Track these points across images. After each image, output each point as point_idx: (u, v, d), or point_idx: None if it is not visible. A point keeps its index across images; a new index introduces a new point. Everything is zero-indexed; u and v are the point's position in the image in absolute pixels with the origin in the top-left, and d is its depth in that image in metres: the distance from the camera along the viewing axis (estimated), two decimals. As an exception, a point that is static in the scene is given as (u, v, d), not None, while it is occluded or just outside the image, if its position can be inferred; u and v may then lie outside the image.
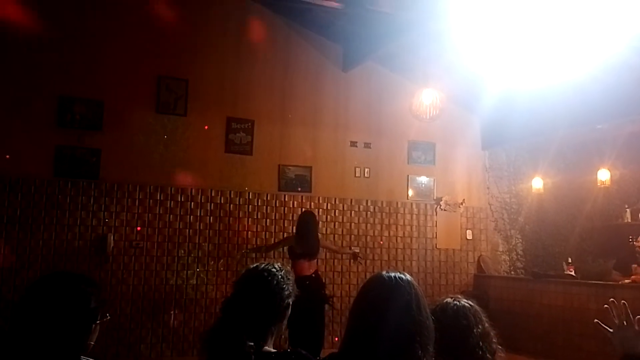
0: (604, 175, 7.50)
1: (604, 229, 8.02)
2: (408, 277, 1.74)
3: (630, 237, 7.97)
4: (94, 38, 6.46)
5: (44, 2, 6.22)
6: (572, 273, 7.06)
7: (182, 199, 6.74)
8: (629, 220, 7.83)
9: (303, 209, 7.26)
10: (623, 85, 5.98)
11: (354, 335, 1.69)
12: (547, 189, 8.32)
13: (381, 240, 7.67)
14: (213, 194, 6.90)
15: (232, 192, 6.99)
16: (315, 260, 5.83)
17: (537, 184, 8.28)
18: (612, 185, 7.64)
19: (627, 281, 6.35)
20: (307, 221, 5.91)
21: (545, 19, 4.53)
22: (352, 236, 7.53)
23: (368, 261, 7.47)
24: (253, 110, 7.17)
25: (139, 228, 6.49)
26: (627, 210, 7.80)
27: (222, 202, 6.94)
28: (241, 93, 7.14)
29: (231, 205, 6.98)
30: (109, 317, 1.82)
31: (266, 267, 2.09)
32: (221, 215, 6.91)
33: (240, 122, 7.09)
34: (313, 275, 5.65)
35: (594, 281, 6.45)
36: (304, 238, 5.78)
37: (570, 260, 7.33)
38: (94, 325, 1.71)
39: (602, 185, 7.57)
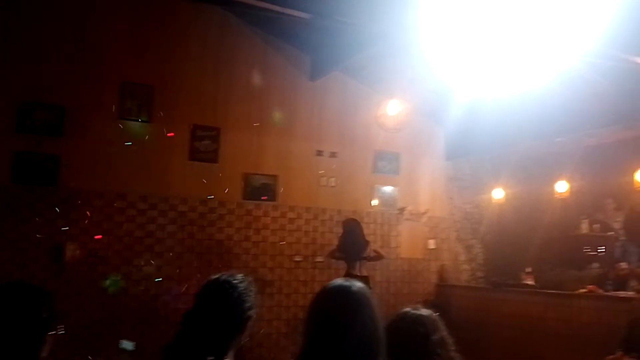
0: (562, 187, 7.71)
1: (561, 239, 8.24)
2: (364, 287, 1.76)
3: (587, 247, 8.21)
4: (55, 42, 6.31)
5: (5, 6, 6.05)
6: (531, 282, 7.22)
7: (144, 207, 6.62)
8: (586, 231, 8.06)
9: (269, 218, 7.26)
10: (581, 100, 6.18)
11: (314, 343, 1.69)
12: (508, 199, 8.50)
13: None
14: (176, 202, 6.80)
15: (195, 200, 6.90)
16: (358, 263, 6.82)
17: (498, 194, 8.46)
18: (570, 196, 7.85)
19: (583, 291, 6.52)
20: (346, 229, 7.00)
21: (508, 33, 4.65)
22: (317, 245, 7.52)
23: (332, 270, 7.46)
24: (219, 118, 7.11)
25: (98, 236, 6.34)
26: (584, 221, 8.03)
27: (185, 210, 6.84)
28: (207, 100, 7.07)
29: (195, 214, 6.89)
30: (63, 329, 1.77)
31: (227, 278, 2.06)
32: (184, 223, 6.81)
33: (206, 130, 7.02)
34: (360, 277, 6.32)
35: (552, 290, 6.60)
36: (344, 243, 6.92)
37: (528, 269, 7.49)
38: (46, 337, 1.66)
39: (560, 197, 7.77)
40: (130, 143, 6.54)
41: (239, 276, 2.09)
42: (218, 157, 7.05)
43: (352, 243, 6.89)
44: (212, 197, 6.96)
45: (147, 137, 6.65)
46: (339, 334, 1.63)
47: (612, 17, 4.09)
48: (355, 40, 6.34)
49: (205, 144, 7.01)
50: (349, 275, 6.58)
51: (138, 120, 6.65)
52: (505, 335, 6.85)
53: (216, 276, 2.10)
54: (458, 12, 4.19)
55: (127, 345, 5.56)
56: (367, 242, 6.97)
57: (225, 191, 7.03)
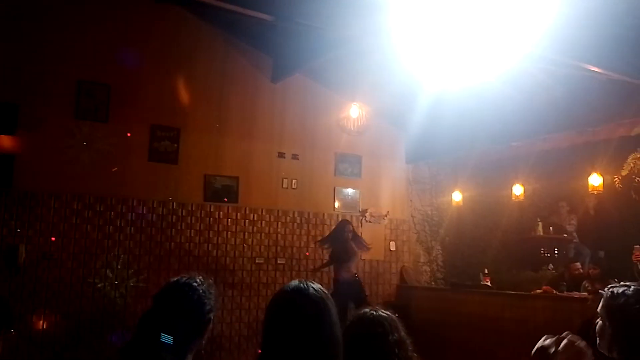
0: (518, 190, 7.89)
1: (518, 241, 8.44)
2: (321, 289, 1.76)
3: (542, 249, 8.44)
4: (9, 40, 6.11)
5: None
6: (488, 283, 7.37)
7: (101, 209, 6.47)
8: (541, 233, 8.28)
9: (230, 220, 7.20)
10: (536, 106, 6.36)
11: (271, 346, 1.68)
12: (466, 202, 8.65)
13: (307, 251, 7.69)
14: (135, 204, 6.67)
15: (155, 201, 6.80)
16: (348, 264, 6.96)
17: (457, 197, 8.60)
18: (526, 199, 8.05)
19: (538, 291, 6.70)
20: (335, 228, 7.21)
21: (466, 37, 4.75)
22: (279, 247, 7.51)
23: (294, 272, 7.46)
24: (179, 119, 7.02)
25: (53, 238, 6.17)
26: (539, 223, 8.25)
27: (144, 212, 6.73)
28: (167, 100, 6.97)
29: (154, 216, 6.78)
30: (14, 332, 1.72)
31: (187, 280, 2.03)
32: (143, 225, 6.70)
33: (166, 130, 6.93)
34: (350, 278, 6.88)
35: (508, 291, 6.75)
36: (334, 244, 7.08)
37: (486, 271, 7.65)
38: None
39: (517, 200, 7.96)
40: (86, 143, 6.39)
41: (199, 278, 2.05)
42: (178, 158, 6.96)
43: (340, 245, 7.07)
44: (171, 199, 6.86)
45: (104, 137, 6.51)
46: (295, 337, 1.62)
47: (568, 26, 4.23)
48: (317, 43, 6.36)
49: (164, 145, 6.92)
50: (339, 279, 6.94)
51: (95, 120, 6.50)
52: (464, 335, 6.97)
53: (176, 279, 2.06)
54: (420, 17, 4.25)
55: None
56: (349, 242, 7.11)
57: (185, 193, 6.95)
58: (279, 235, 7.54)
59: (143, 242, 6.67)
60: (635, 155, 6.06)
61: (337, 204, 8.05)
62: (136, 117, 6.76)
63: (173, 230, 6.88)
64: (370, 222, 8.22)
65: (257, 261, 7.34)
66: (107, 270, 6.39)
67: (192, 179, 7.06)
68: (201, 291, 2.00)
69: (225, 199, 7.22)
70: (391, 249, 8.42)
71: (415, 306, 7.80)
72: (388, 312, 2.02)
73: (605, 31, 4.39)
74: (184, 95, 7.07)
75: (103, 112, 6.56)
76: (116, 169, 6.54)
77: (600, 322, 1.94)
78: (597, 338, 1.93)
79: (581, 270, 7.18)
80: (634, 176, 6.43)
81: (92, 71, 6.54)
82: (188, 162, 7.02)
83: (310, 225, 7.77)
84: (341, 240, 7.02)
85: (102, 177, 6.47)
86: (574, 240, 8.26)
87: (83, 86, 6.48)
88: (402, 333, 1.97)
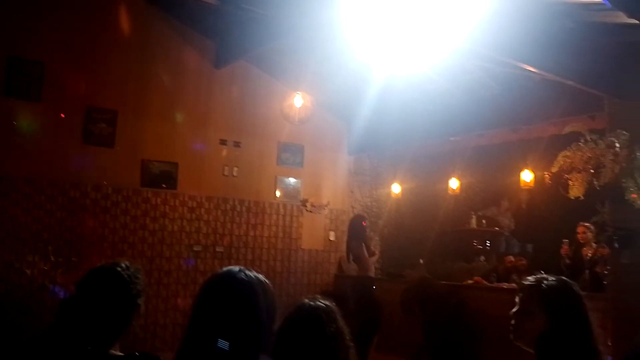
0: (454, 184, 8.13)
1: (453, 233, 8.70)
2: (257, 276, 1.76)
3: (475, 241, 8.74)
4: None
5: None
6: (424, 273, 7.56)
7: (31, 191, 6.20)
8: (475, 226, 8.57)
9: (168, 206, 7.06)
10: (474, 102, 6.55)
11: (197, 331, 1.67)
12: (405, 194, 8.83)
13: (247, 239, 7.64)
14: (67, 187, 6.43)
15: (89, 185, 6.57)
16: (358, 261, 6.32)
17: (396, 189, 8.76)
18: (461, 193, 8.31)
19: (470, 282, 6.94)
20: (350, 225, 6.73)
21: (407, 31, 4.83)
22: (218, 235, 7.42)
23: (232, 260, 7.40)
24: (117, 101, 6.80)
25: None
26: (473, 216, 8.53)
27: (77, 196, 6.50)
28: (104, 81, 6.74)
29: (87, 200, 6.56)
30: None
31: (111, 266, 1.98)
32: (75, 210, 6.46)
33: (102, 112, 6.69)
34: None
35: (442, 282, 6.94)
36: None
37: (422, 261, 7.85)
38: None
39: (453, 193, 8.20)
40: (16, 123, 6.09)
41: (125, 264, 2.00)
42: (115, 142, 6.74)
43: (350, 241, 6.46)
44: (106, 183, 6.65)
45: (36, 117, 6.22)
46: (221, 319, 1.63)
47: (501, 23, 4.36)
48: (263, 30, 6.30)
49: (100, 127, 6.69)
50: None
51: (27, 99, 6.20)
52: (400, 324, 7.10)
53: (100, 265, 2.01)
54: (364, 8, 4.28)
55: None
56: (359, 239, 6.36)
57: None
58: (219, 223, 7.45)
59: (75, 228, 6.44)
60: (565, 153, 6.33)
61: (278, 193, 8.03)
62: (71, 98, 6.49)
63: (107, 215, 6.67)
64: (310, 211, 8.25)
65: (194, 249, 7.24)
66: (36, 257, 6.13)
67: (129, 164, 6.86)
68: (126, 276, 1.95)
69: (164, 185, 7.07)
70: (330, 239, 8.48)
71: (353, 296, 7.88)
72: (326, 302, 2.02)
73: (539, 31, 4.55)
74: (122, 76, 6.85)
75: (35, 91, 6.25)
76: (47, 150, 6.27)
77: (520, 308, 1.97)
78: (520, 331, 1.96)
79: (511, 263, 7.49)
80: (563, 173, 6.73)
81: (24, 47, 6.23)
82: (125, 146, 6.81)
83: (250, 213, 7.72)
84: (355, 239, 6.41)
85: (33, 158, 6.20)
86: (505, 234, 8.61)
87: (13, 62, 6.16)
88: (340, 323, 1.98)
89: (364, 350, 5.39)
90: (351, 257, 6.40)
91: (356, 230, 6.41)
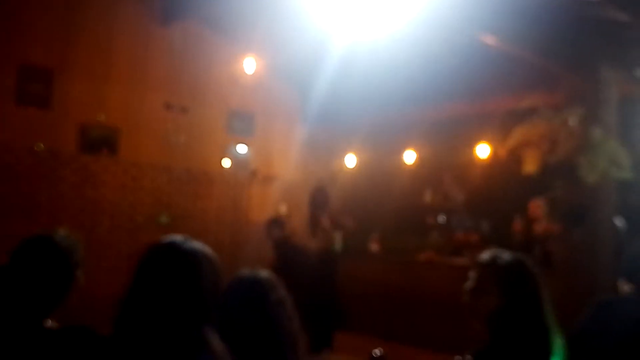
0: (409, 157, 8.01)
1: (407, 208, 8.60)
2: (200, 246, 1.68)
3: (429, 216, 8.68)
4: None
5: None
6: (377, 248, 7.49)
7: (-45, 155, 5.75)
8: (429, 201, 8.50)
9: (109, 174, 6.70)
10: (431, 74, 6.38)
11: (137, 304, 1.60)
12: (360, 167, 8.67)
13: (193, 211, 7.35)
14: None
15: (23, 149, 6.14)
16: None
17: (351, 161, 8.59)
18: (416, 167, 8.19)
19: (422, 257, 6.89)
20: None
21: (369, 3, 4.63)
22: (162, 205, 7.10)
23: (177, 233, 7.08)
24: (54, 59, 6.41)
25: None
26: (428, 191, 8.45)
27: (10, 161, 6.08)
28: (39, 38, 6.34)
29: (21, 165, 6.13)
30: None
31: (46, 236, 1.95)
32: (8, 176, 6.04)
33: (37, 72, 6.26)
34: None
35: (394, 257, 6.88)
36: None
37: (375, 235, 7.74)
38: None
39: (408, 167, 8.08)
40: None
41: (61, 234, 1.97)
42: (51, 103, 6.31)
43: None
44: (42, 146, 6.22)
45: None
46: (157, 289, 1.57)
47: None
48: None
49: (36, 87, 6.27)
50: None
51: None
52: (355, 300, 6.97)
53: (34, 235, 1.97)
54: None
55: None
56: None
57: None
58: (163, 192, 7.12)
59: (8, 195, 6.02)
60: (520, 128, 6.28)
61: (227, 163, 7.73)
62: (2, 55, 6.05)
63: (43, 182, 6.28)
64: (260, 183, 7.99)
65: (137, 220, 6.90)
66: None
67: (67, 127, 6.50)
68: (63, 246, 1.93)
69: (105, 150, 6.67)
70: (282, 212, 8.26)
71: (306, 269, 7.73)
72: (267, 273, 1.99)
73: (498, 0, 4.42)
74: (60, 32, 6.43)
75: (-41, 46, 5.76)
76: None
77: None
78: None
79: (463, 238, 7.47)
80: (518, 149, 6.69)
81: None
82: (62, 108, 6.44)
83: (197, 183, 7.41)
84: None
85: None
86: (459, 209, 8.56)
87: None
88: (283, 293, 1.95)
89: (324, 330, 5.27)
90: (318, 230, 6.24)
91: (320, 200, 6.28)
